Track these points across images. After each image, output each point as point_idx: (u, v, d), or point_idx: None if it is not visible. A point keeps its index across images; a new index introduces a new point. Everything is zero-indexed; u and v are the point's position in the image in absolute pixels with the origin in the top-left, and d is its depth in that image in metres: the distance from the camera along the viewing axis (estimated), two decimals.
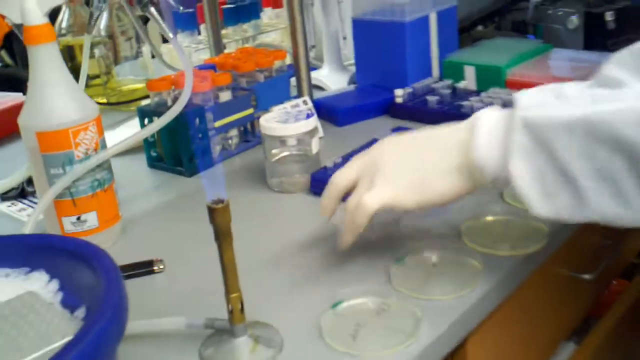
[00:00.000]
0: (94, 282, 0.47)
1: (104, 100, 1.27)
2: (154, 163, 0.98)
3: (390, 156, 0.64)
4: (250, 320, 0.59)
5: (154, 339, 0.60)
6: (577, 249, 0.85)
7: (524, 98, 0.60)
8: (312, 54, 1.40)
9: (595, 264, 0.89)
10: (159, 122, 0.79)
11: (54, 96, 0.70)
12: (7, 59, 1.55)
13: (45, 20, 0.69)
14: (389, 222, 0.73)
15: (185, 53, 0.86)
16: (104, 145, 0.74)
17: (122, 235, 0.79)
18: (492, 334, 0.70)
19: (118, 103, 1.25)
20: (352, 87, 1.18)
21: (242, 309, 0.56)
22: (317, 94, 1.18)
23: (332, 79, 1.25)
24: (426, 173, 0.61)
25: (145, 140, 0.97)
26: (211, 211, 0.52)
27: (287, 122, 0.83)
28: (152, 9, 0.86)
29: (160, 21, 0.85)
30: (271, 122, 0.84)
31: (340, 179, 0.66)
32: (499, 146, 0.57)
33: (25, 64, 0.74)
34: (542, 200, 0.56)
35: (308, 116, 0.84)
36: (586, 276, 0.86)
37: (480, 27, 1.41)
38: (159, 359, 0.58)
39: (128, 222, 0.81)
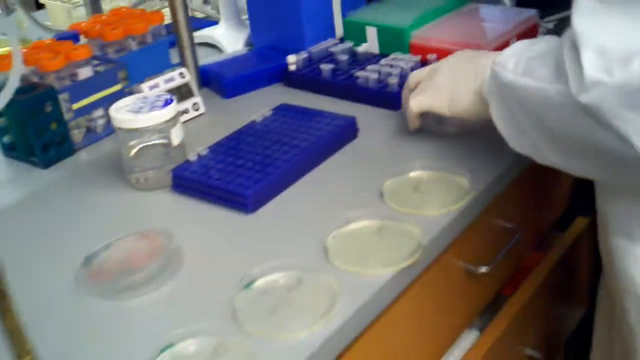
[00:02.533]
0: None
1: None
2: (8, 152, 0.86)
3: (446, 68, 0.74)
4: None
5: None
6: (471, 242, 0.78)
7: (506, 51, 0.65)
8: (208, 6, 1.26)
9: (496, 252, 0.82)
10: None
11: None
12: None
13: None
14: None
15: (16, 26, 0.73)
16: None
17: None
18: (368, 349, 0.63)
19: None
20: (245, 50, 1.06)
21: None
22: (211, 58, 1.06)
23: (229, 39, 1.13)
24: (459, 88, 0.71)
25: None
26: None
27: (140, 112, 0.72)
28: None
29: None
30: (121, 112, 0.73)
31: (412, 78, 0.79)
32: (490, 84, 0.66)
33: None
34: (515, 140, 0.65)
35: (166, 103, 0.73)
36: (482, 269, 0.79)
37: None
38: None
39: None
